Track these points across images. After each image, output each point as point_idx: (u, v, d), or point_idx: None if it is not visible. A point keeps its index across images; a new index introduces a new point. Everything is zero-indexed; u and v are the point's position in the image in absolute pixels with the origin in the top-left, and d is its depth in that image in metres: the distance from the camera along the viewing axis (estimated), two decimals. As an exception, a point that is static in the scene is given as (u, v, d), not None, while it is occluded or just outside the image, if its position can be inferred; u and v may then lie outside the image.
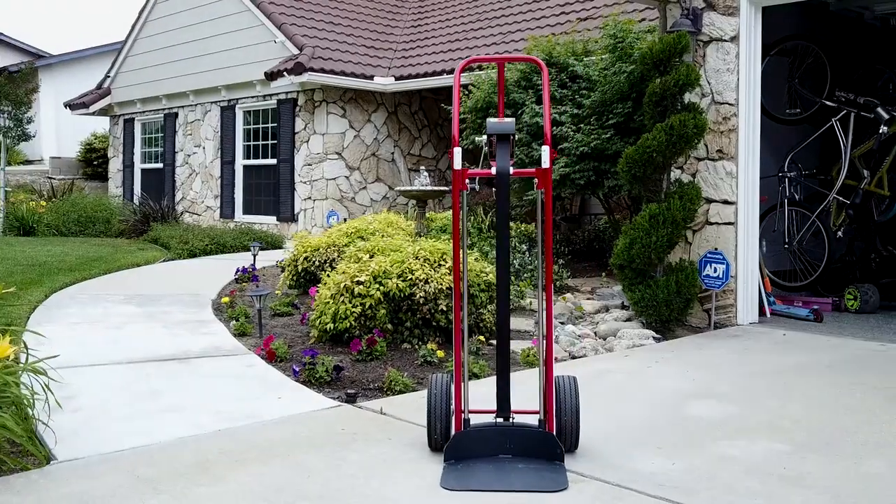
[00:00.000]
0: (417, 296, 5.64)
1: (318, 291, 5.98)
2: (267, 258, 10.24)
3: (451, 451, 3.41)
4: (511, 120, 3.54)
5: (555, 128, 8.16)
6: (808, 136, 7.85)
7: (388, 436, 3.82)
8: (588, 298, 7.52)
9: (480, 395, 4.17)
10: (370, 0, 15.58)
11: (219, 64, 14.60)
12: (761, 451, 3.61)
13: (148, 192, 16.52)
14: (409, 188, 9.95)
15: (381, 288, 5.62)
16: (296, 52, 12.83)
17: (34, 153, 22.75)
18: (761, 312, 6.82)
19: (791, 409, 4.29)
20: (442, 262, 5.80)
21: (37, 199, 15.18)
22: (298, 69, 12.26)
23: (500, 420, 3.50)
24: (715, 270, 6.30)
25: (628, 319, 6.62)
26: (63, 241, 12.40)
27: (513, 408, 3.58)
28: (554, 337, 6.05)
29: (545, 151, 3.40)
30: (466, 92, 9.27)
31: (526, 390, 4.26)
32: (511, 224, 9.68)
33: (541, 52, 8.81)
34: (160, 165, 16.75)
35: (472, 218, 10.02)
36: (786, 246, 7.58)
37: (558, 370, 5.16)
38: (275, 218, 14.01)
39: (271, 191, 14.13)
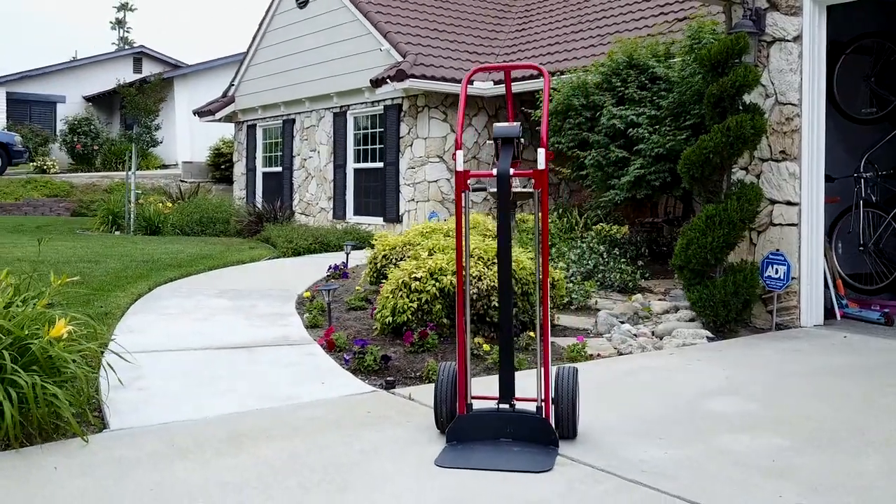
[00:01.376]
0: (470, 292, 5.90)
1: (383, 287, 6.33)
2: (364, 257, 10.68)
3: (452, 434, 3.67)
4: (516, 124, 3.78)
5: (631, 129, 8.25)
6: (885, 136, 7.62)
7: (408, 419, 4.10)
8: (660, 299, 7.56)
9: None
10: (477, 7, 15.92)
11: (331, 72, 15.26)
12: (761, 445, 3.70)
13: (268, 195, 17.40)
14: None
15: (437, 284, 5.91)
16: (400, 59, 13.30)
17: (170, 158, 24.29)
18: (831, 315, 6.72)
19: (810, 408, 4.32)
20: (496, 261, 6.04)
21: (164, 200, 16.25)
22: (400, 76, 12.72)
23: (502, 406, 3.73)
24: (776, 272, 6.27)
25: (691, 320, 6.65)
26: (182, 240, 13.30)
27: (528, 396, 3.81)
28: (609, 336, 6.19)
29: (541, 154, 3.61)
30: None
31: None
32: (598, 226, 9.79)
33: (623, 53, 8.89)
34: (279, 169, 17.59)
35: (566, 218, 10.20)
36: (860, 248, 7.41)
37: (602, 366, 5.33)
38: (381, 219, 14.52)
39: (378, 193, 14.66)
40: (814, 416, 4.19)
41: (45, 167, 23.13)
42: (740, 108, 6.26)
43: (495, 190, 3.85)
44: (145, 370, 4.99)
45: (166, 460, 3.50)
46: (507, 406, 3.73)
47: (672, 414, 4.21)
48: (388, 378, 4.89)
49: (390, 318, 5.95)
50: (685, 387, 4.74)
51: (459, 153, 3.70)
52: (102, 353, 4.85)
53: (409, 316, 5.90)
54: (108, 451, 3.61)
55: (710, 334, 6.13)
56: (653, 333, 6.34)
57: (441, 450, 3.59)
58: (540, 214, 3.75)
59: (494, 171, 3.67)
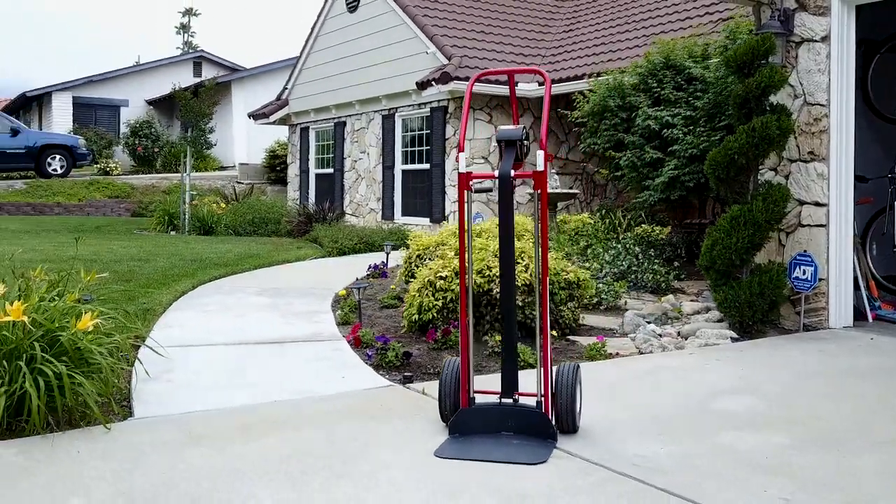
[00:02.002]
0: (494, 291, 6.01)
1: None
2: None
3: (454, 426, 3.79)
4: (520, 127, 3.90)
5: (666, 130, 8.26)
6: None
7: (417, 412, 4.23)
8: (692, 300, 7.56)
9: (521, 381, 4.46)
10: (525, 9, 16.00)
11: (380, 75, 15.49)
12: (761, 443, 3.73)
13: (321, 196, 17.73)
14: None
15: (462, 283, 6.03)
16: (445, 61, 13.45)
17: (227, 160, 24.86)
18: (863, 317, 6.66)
19: (822, 408, 4.32)
20: (519, 260, 6.14)
21: (219, 201, 16.67)
22: (445, 78, 12.88)
23: (504, 400, 3.84)
24: (803, 273, 6.24)
25: (720, 321, 6.65)
26: (233, 240, 13.65)
27: (531, 392, 3.91)
28: (633, 336, 6.23)
29: (540, 156, 3.72)
30: (584, 97, 9.50)
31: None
32: (640, 227, 9.80)
33: (660, 54, 8.90)
34: (331, 170, 17.91)
35: (609, 219, 10.22)
36: (895, 249, 7.30)
37: (619, 364, 5.39)
38: (428, 219, 14.69)
39: (425, 194, 14.84)
40: (824, 416, 4.20)
41: (108, 169, 23.91)
42: (767, 108, 6.25)
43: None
44: (176, 363, 5.20)
45: (180, 446, 3.69)
46: (509, 400, 3.84)
47: (679, 412, 4.26)
48: (406, 374, 5.03)
49: (416, 316, 6.10)
50: (697, 386, 4.78)
51: (462, 155, 3.83)
52: (137, 347, 5.10)
53: (435, 314, 6.04)
54: (128, 438, 3.82)
55: (734, 335, 6.13)
56: (678, 334, 6.36)
57: (443, 441, 3.72)
58: (539, 215, 3.85)
59: (496, 173, 3.79)
